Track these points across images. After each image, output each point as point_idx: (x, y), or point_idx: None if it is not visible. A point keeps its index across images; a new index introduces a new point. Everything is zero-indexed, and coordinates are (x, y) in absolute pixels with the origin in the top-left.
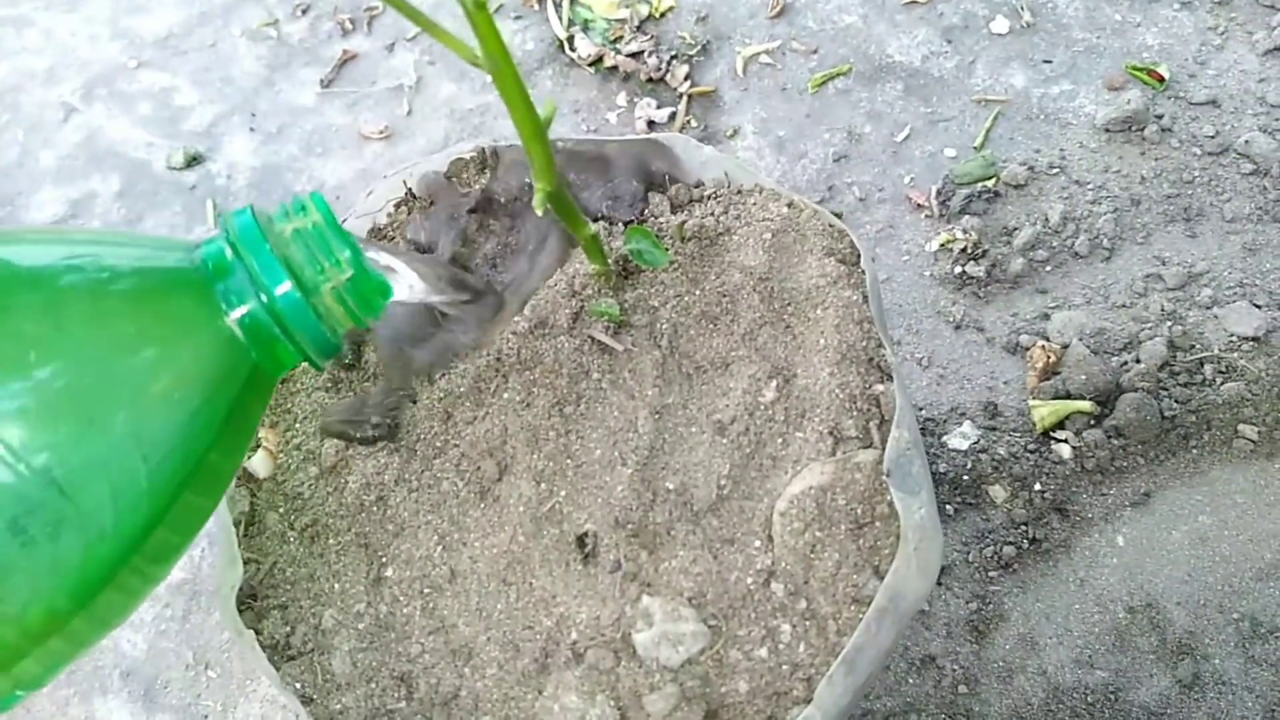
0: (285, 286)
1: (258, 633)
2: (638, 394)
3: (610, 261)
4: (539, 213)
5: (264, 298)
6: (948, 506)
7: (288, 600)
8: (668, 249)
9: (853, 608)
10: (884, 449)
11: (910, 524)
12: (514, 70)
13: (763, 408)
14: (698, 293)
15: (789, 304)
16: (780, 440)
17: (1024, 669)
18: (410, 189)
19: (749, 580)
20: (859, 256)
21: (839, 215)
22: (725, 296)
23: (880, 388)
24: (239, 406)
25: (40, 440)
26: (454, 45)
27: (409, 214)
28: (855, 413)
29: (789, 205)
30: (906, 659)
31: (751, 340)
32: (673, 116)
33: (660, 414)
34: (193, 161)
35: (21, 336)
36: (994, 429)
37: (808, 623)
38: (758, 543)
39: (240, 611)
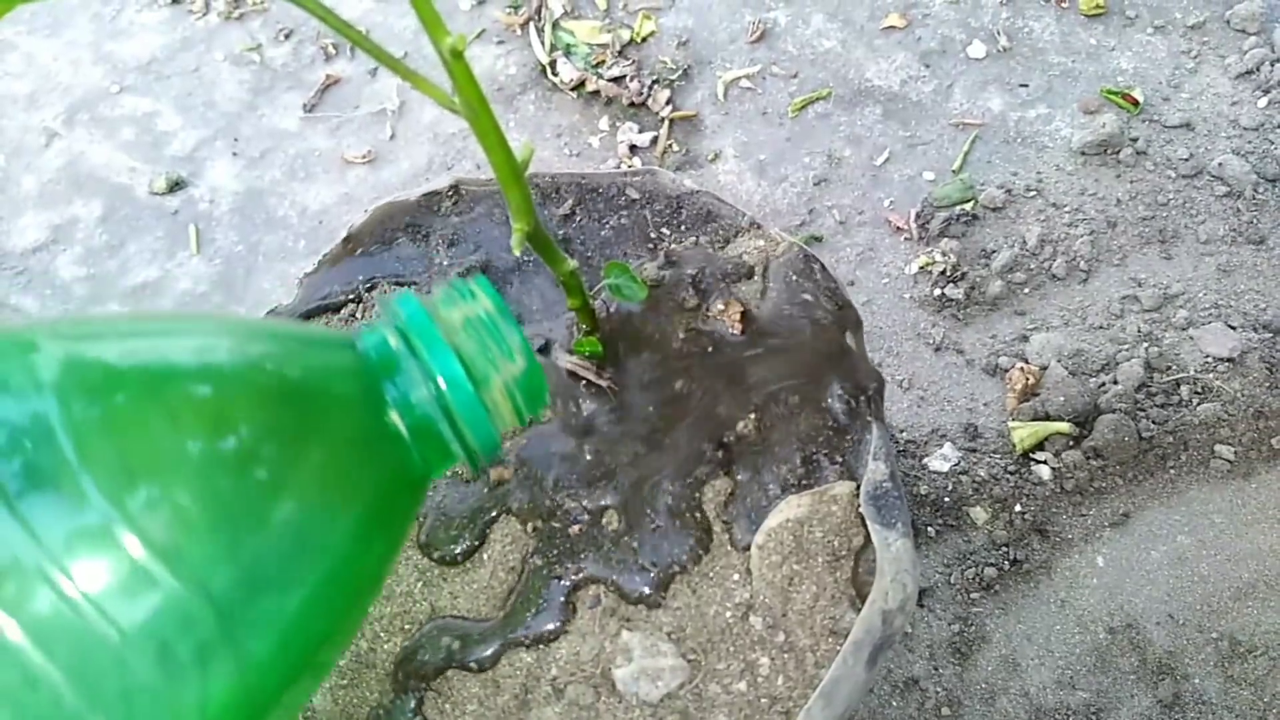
0: (459, 377)
1: None
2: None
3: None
4: (517, 252)
5: (434, 390)
6: (929, 528)
7: None
8: (645, 284)
9: (830, 640)
10: (860, 481)
11: (886, 557)
12: (491, 116)
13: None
14: None
15: None
16: None
17: (1006, 690)
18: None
19: (727, 614)
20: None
21: (819, 239)
22: None
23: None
24: (395, 510)
25: (198, 550)
26: (432, 92)
27: (389, 243)
28: (832, 445)
29: (764, 240)
30: (889, 681)
31: None
32: (654, 141)
33: None
34: (175, 187)
35: (178, 431)
36: (974, 450)
37: (786, 655)
38: (736, 576)
39: None
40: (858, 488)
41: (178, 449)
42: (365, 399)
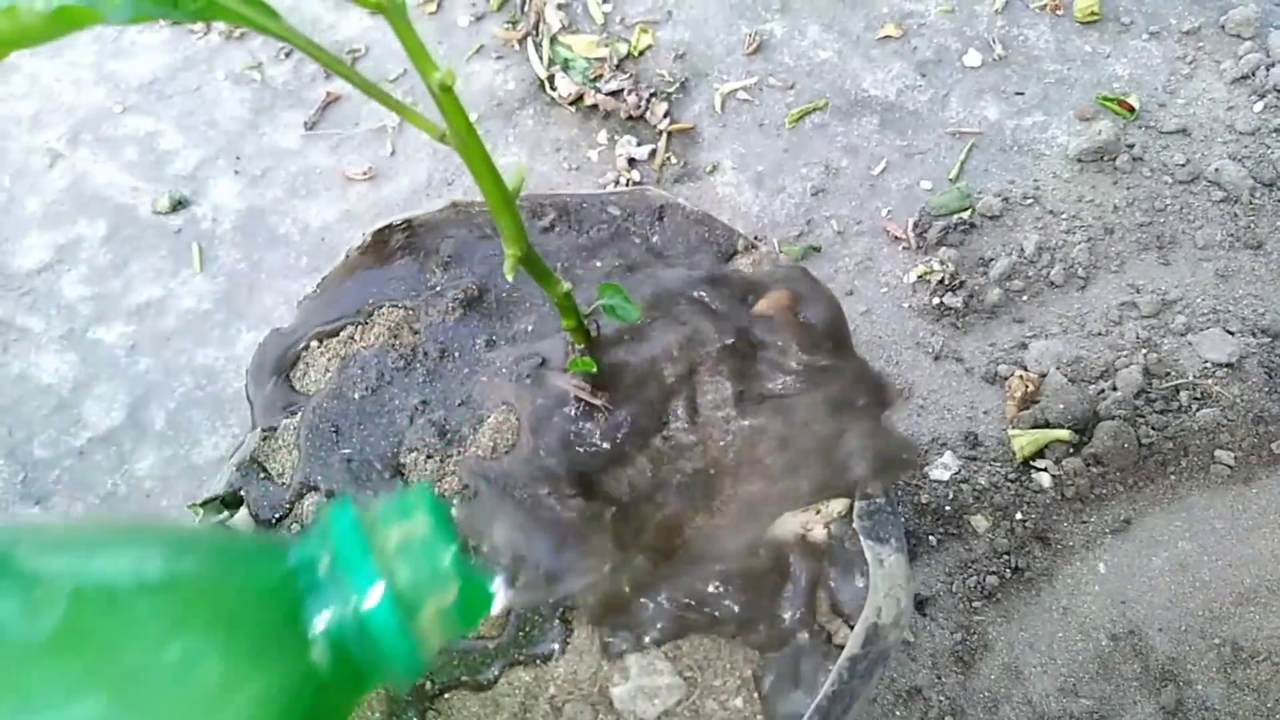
0: (386, 611)
1: None
2: None
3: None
4: (510, 278)
5: (359, 621)
6: (930, 537)
7: None
8: (639, 304)
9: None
10: (854, 497)
11: (880, 572)
12: (481, 146)
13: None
14: None
15: None
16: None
17: (1009, 699)
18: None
19: None
20: None
21: (818, 249)
22: None
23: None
24: None
25: None
26: (420, 123)
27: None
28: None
29: (759, 255)
30: (893, 691)
31: None
32: (653, 154)
33: None
34: (178, 205)
35: (85, 653)
36: (975, 459)
37: None
38: None
39: None
40: (852, 504)
41: (82, 677)
42: (285, 622)
